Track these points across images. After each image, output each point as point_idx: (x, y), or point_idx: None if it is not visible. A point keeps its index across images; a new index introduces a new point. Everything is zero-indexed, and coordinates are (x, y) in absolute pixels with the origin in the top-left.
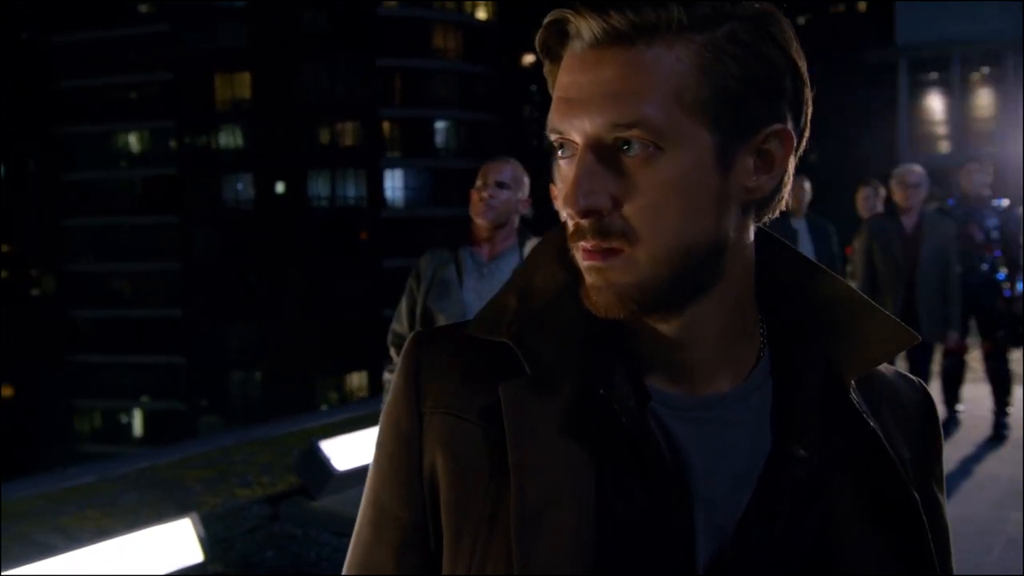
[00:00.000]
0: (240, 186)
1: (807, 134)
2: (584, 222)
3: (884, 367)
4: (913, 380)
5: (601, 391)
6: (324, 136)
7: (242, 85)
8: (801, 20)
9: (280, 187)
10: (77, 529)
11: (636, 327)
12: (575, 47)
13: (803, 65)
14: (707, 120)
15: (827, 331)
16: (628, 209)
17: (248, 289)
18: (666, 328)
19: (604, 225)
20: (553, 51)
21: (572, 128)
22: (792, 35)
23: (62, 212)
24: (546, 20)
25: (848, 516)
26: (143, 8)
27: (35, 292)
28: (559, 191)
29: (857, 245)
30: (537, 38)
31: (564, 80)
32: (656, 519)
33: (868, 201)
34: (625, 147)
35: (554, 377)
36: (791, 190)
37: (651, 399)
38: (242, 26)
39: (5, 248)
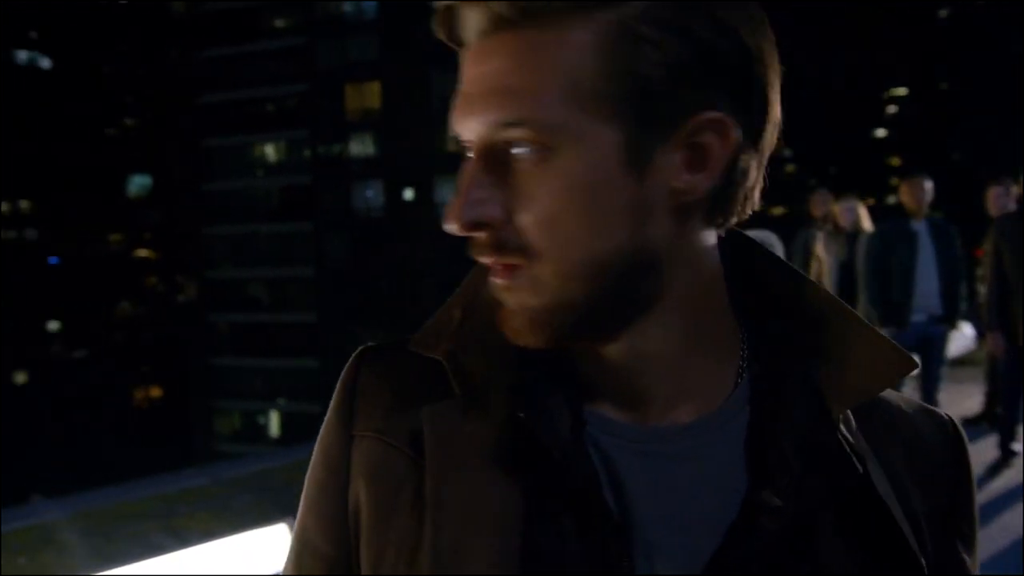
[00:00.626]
0: (370, 193)
1: (770, 123)
2: (477, 235)
3: (903, 399)
4: (941, 415)
5: (521, 415)
6: (451, 143)
7: (372, 95)
8: (943, 13)
9: (409, 194)
10: (187, 530)
11: (579, 349)
12: (470, 37)
13: (763, 46)
14: (611, 113)
15: (813, 352)
16: (522, 220)
17: (379, 294)
18: (607, 351)
19: (499, 239)
20: (457, 39)
21: (465, 129)
22: (751, 14)
23: (204, 221)
24: (436, 10)
25: None
26: (279, 23)
27: (180, 298)
28: None
29: (987, 247)
30: (435, 28)
31: (461, 74)
32: (591, 566)
33: (999, 200)
34: (515, 149)
35: (485, 400)
36: (909, 190)
37: (586, 425)
38: (373, 37)
39: (154, 255)
